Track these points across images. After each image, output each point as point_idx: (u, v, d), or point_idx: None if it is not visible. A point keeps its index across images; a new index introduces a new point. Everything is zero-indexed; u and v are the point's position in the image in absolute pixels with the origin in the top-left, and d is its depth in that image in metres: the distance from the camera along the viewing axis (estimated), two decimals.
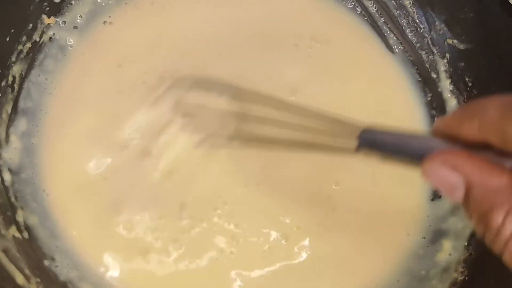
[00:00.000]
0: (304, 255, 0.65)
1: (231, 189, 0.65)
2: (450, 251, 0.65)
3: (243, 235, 0.64)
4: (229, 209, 0.64)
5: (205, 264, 0.63)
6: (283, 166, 0.67)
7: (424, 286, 0.64)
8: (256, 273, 0.63)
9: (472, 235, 0.64)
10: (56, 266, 0.62)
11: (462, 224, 0.66)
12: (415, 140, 0.42)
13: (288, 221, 0.65)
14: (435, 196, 0.68)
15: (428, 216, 0.68)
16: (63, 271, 0.62)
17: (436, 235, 0.66)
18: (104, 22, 0.71)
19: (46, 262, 0.61)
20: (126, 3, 0.71)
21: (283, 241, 0.64)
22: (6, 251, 0.58)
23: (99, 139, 0.66)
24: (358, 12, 0.74)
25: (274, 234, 0.64)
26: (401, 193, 0.69)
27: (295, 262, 0.65)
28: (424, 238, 0.67)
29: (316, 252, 0.65)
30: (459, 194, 0.38)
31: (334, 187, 0.66)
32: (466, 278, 0.63)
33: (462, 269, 0.63)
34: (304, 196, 0.66)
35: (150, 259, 0.63)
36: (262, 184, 0.65)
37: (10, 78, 0.66)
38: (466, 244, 0.64)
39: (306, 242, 0.65)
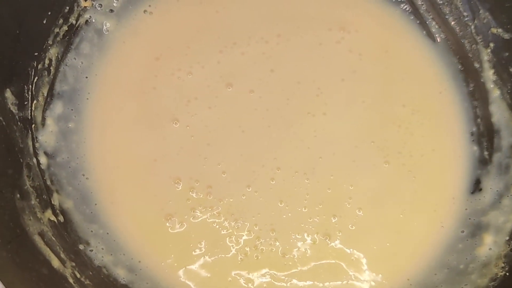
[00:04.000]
0: (338, 252, 0.64)
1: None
2: (490, 246, 0.63)
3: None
4: None
5: None
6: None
7: (463, 280, 0.62)
8: None
9: None
10: (91, 251, 0.61)
11: (503, 218, 0.64)
12: None
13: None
14: (475, 189, 0.66)
15: (466, 209, 0.66)
16: (97, 256, 0.62)
17: (476, 229, 0.65)
18: (145, 11, 0.70)
19: (81, 247, 0.61)
20: None
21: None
22: (42, 235, 0.57)
23: (141, 125, 0.66)
24: (399, 0, 0.72)
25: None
26: (436, 186, 0.67)
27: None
28: (463, 231, 0.65)
29: (346, 244, 0.64)
30: None
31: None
32: (507, 274, 0.61)
33: (502, 265, 0.62)
34: None
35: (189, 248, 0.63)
36: None
37: (47, 61, 0.65)
38: (507, 239, 0.63)
39: (337, 242, 0.64)
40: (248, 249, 0.63)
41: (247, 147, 0.66)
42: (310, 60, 0.69)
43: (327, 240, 0.64)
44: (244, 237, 0.64)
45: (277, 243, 0.64)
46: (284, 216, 0.64)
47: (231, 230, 0.64)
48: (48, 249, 0.57)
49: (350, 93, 0.68)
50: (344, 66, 0.69)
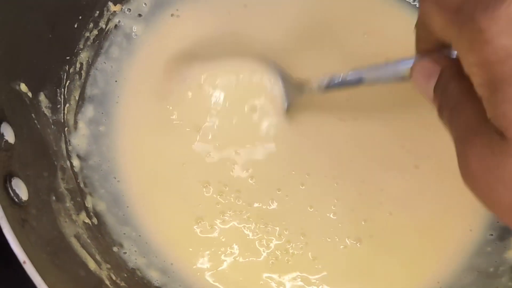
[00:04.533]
0: (364, 254, 0.64)
1: None
2: None
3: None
4: None
5: None
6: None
7: (493, 283, 0.63)
8: None
9: None
10: (125, 253, 0.62)
11: None
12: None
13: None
14: None
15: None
16: (131, 258, 0.62)
17: (505, 232, 0.65)
18: (172, 15, 0.70)
19: (115, 249, 0.62)
20: None
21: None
22: (77, 237, 0.58)
23: (170, 129, 0.66)
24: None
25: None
26: (463, 190, 0.67)
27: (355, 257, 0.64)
28: (492, 235, 0.66)
29: (377, 248, 0.64)
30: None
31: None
32: None
33: None
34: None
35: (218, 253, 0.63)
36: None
37: (78, 65, 0.66)
38: None
39: (367, 246, 0.64)
40: (278, 252, 0.64)
41: (275, 152, 0.66)
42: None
43: (358, 244, 0.64)
44: (275, 241, 0.64)
45: (308, 247, 0.64)
46: (314, 221, 0.65)
47: (261, 234, 0.64)
48: (84, 251, 0.57)
49: (377, 97, 0.68)
50: None
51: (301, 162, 0.66)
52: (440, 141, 0.66)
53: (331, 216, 0.65)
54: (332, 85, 0.60)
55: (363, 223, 0.65)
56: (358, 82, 0.58)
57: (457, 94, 0.40)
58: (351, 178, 0.66)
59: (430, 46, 0.45)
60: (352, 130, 0.67)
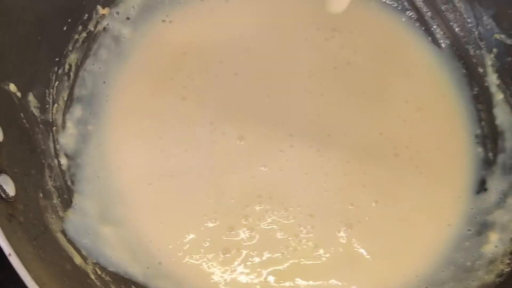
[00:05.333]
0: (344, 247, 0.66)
1: None
2: (496, 243, 0.65)
3: None
4: None
5: None
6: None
7: (470, 277, 0.64)
8: None
9: None
10: (112, 250, 0.63)
11: (508, 217, 0.66)
12: None
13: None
14: (481, 189, 0.68)
15: (472, 208, 0.69)
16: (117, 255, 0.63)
17: (482, 228, 0.67)
18: (163, 21, 0.73)
19: None
20: (180, 3, 0.74)
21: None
22: (64, 233, 0.59)
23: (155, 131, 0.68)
24: (405, 7, 0.75)
25: None
26: (442, 184, 0.69)
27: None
28: (470, 230, 0.67)
29: (358, 244, 0.66)
30: None
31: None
32: None
33: (508, 261, 0.64)
34: None
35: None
36: None
37: (67, 66, 0.68)
38: None
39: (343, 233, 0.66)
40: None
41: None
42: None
43: (349, 229, 0.65)
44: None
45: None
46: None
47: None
48: (70, 246, 0.59)
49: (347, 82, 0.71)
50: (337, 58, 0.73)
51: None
52: (416, 134, 0.69)
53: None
54: None
55: (350, 207, 0.66)
56: None
57: None
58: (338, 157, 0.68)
59: None
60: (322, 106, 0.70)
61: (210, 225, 0.65)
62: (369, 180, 0.68)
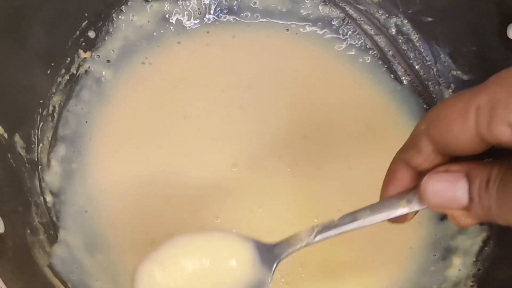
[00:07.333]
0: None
1: None
2: (459, 267, 0.69)
3: None
4: None
5: None
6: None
7: None
8: None
9: (480, 251, 0.69)
10: (96, 280, 0.66)
11: (470, 242, 0.70)
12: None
13: None
14: (444, 216, 0.73)
15: (436, 234, 0.72)
16: (103, 287, 0.66)
17: (446, 252, 0.71)
18: (143, 63, 0.77)
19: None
20: (158, 46, 0.78)
21: None
22: (50, 267, 0.62)
23: (137, 168, 0.72)
24: (368, 47, 0.80)
25: None
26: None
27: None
28: (435, 255, 0.71)
29: (321, 268, 0.69)
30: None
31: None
32: None
33: (471, 283, 0.67)
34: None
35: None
36: None
37: (51, 108, 0.71)
38: (474, 260, 0.69)
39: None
40: None
41: None
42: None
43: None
44: None
45: None
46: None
47: None
48: (57, 280, 0.62)
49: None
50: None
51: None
52: (370, 153, 0.73)
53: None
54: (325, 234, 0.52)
55: (315, 220, 0.70)
56: (352, 225, 0.52)
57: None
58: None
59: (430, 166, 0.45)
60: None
61: None
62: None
